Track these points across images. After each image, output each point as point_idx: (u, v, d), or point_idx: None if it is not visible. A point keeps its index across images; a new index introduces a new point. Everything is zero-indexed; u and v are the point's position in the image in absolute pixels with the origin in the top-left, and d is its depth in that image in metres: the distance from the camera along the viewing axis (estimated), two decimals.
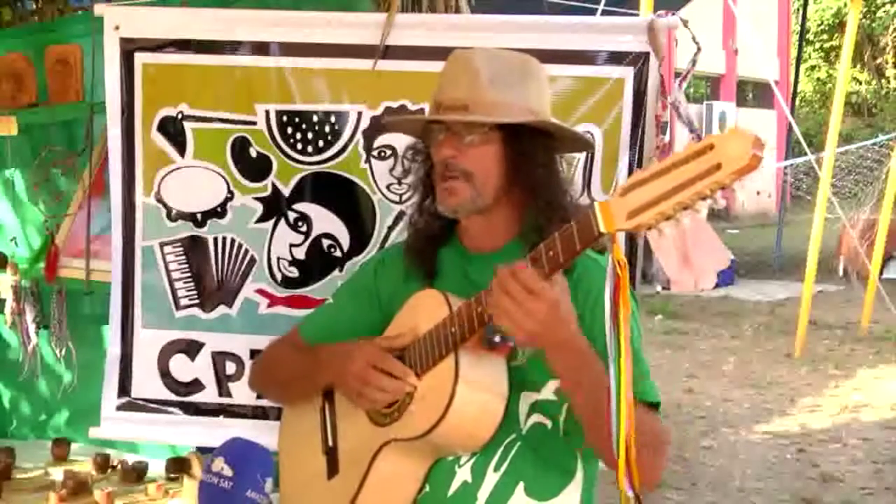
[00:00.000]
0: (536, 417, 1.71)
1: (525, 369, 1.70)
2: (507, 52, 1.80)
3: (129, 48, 2.79)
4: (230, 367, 2.84)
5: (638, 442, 1.42)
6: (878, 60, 27.91)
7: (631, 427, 1.41)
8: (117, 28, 2.79)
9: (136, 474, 3.11)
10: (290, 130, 2.76)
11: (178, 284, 2.84)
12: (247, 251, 2.82)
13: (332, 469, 1.82)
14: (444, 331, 1.63)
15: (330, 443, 1.84)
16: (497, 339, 1.61)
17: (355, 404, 1.76)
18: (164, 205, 2.83)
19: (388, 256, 1.96)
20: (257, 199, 2.80)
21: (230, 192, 2.80)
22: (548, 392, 1.71)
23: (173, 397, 2.87)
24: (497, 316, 1.49)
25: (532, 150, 1.73)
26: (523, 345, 1.53)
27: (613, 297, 1.42)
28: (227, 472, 2.32)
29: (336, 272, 2.79)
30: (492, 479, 1.70)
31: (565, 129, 1.85)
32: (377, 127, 2.71)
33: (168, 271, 2.84)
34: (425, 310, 1.71)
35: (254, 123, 2.77)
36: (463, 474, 1.70)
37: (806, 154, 9.55)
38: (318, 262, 2.80)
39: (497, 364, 1.65)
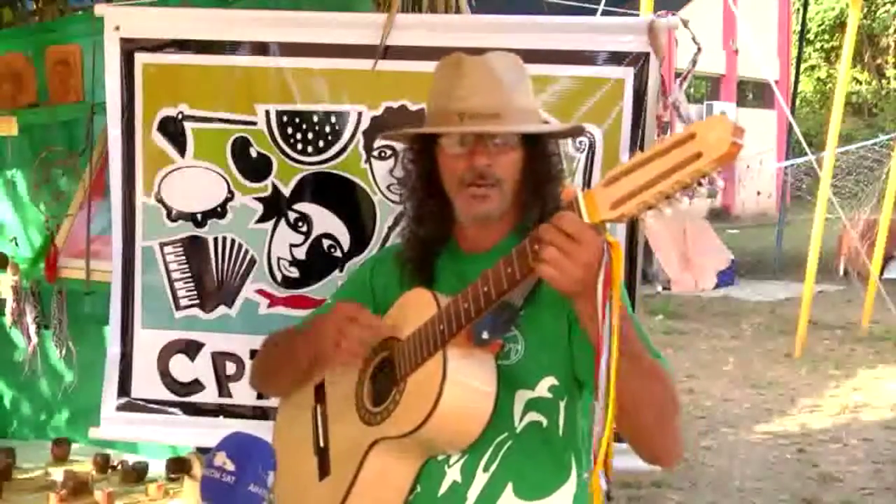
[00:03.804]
0: (532, 416, 1.71)
1: (519, 367, 1.70)
2: (502, 54, 1.79)
3: (130, 48, 2.79)
4: (230, 368, 2.84)
5: (664, 400, 1.51)
6: (879, 60, 27.92)
7: (613, 409, 1.41)
8: (117, 28, 2.79)
9: (137, 474, 3.12)
10: (290, 130, 2.76)
11: (178, 285, 2.84)
12: (247, 251, 2.82)
13: (324, 469, 1.82)
14: (431, 329, 1.63)
15: (321, 443, 1.84)
16: (486, 336, 1.61)
17: (334, 360, 1.78)
18: (165, 205, 2.82)
19: (385, 257, 1.96)
20: (257, 199, 2.80)
21: (230, 192, 2.80)
22: (542, 389, 1.71)
23: (173, 397, 2.86)
24: (542, 266, 1.45)
25: (545, 151, 1.77)
26: (564, 290, 1.47)
27: (606, 279, 1.42)
28: (229, 466, 2.32)
29: (336, 272, 2.79)
30: (481, 478, 1.70)
31: (573, 129, 1.94)
32: (378, 127, 2.71)
33: (168, 271, 2.84)
34: (414, 308, 1.71)
35: (254, 124, 2.77)
36: (453, 474, 1.70)
37: (806, 154, 9.55)
38: (318, 263, 2.80)
39: (486, 361, 1.65)
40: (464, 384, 1.61)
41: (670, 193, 1.29)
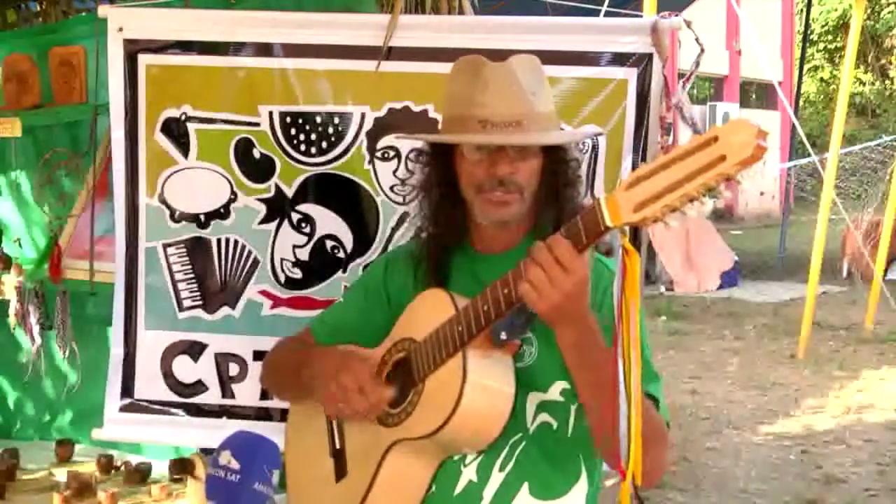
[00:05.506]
0: (543, 417, 1.71)
1: (532, 370, 1.70)
2: (523, 58, 1.77)
3: (133, 49, 2.80)
4: (233, 369, 2.85)
5: (643, 431, 1.45)
6: (882, 61, 27.85)
7: (639, 420, 1.42)
8: (121, 30, 2.80)
9: (140, 475, 3.12)
10: (293, 132, 2.76)
11: (181, 286, 2.85)
12: (250, 252, 2.82)
13: (341, 471, 1.82)
14: (450, 329, 1.63)
15: (337, 445, 1.84)
16: (504, 336, 1.61)
17: (329, 413, 1.80)
18: (168, 206, 2.83)
19: (397, 257, 1.96)
20: (261, 200, 2.80)
21: (233, 193, 2.80)
22: (555, 393, 1.72)
23: (176, 398, 2.87)
24: (524, 286, 1.49)
25: (565, 156, 1.78)
26: (542, 314, 1.52)
27: (622, 286, 1.43)
28: (234, 465, 2.32)
29: (339, 273, 2.79)
30: (497, 478, 1.70)
31: (592, 134, 1.91)
32: (381, 128, 2.71)
33: (171, 272, 2.84)
34: (430, 310, 1.71)
35: (257, 125, 2.77)
36: (469, 473, 1.71)
37: (809, 155, 9.50)
38: (321, 264, 2.80)
39: (504, 362, 1.65)
40: (484, 385, 1.61)
41: (695, 196, 1.29)
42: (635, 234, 2.65)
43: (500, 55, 1.75)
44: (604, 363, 1.50)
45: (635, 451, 1.42)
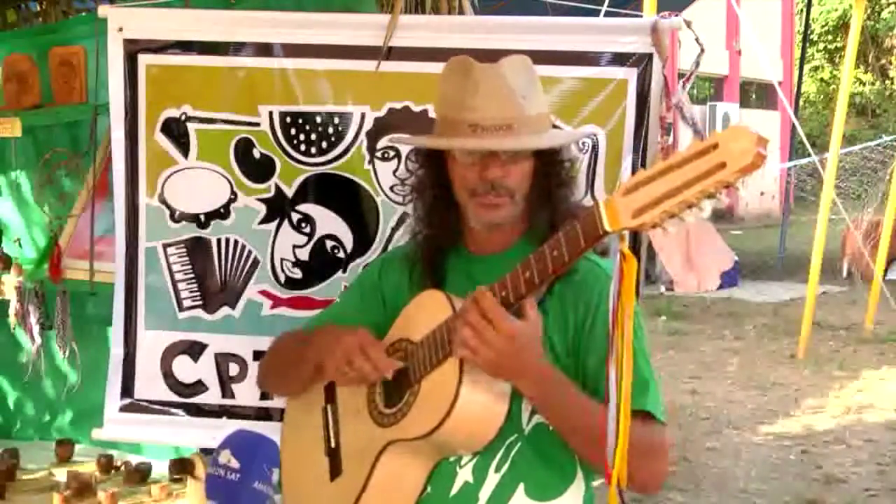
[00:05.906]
0: (539, 418, 1.71)
1: None
2: (513, 59, 1.77)
3: (133, 49, 2.80)
4: (233, 369, 2.85)
5: (628, 452, 1.46)
6: (882, 61, 27.86)
7: (627, 422, 1.44)
8: (121, 30, 2.80)
9: (140, 475, 3.12)
10: (293, 132, 2.76)
11: (181, 286, 2.85)
12: (250, 252, 2.82)
13: (335, 470, 1.82)
14: (447, 330, 1.63)
15: (332, 443, 1.84)
16: None
17: (334, 378, 1.81)
18: (168, 206, 2.83)
19: (394, 258, 1.96)
20: (261, 200, 2.80)
21: (233, 193, 2.80)
22: None
23: (176, 398, 2.87)
24: (456, 344, 1.55)
25: (557, 157, 1.77)
26: (483, 371, 1.57)
27: (618, 291, 1.43)
28: (234, 464, 2.33)
29: (339, 273, 2.79)
30: (493, 479, 1.70)
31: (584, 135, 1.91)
32: (381, 128, 2.71)
33: (171, 272, 2.84)
34: (427, 310, 1.71)
35: (257, 125, 2.77)
36: (464, 475, 1.71)
37: (810, 155, 9.49)
38: (321, 264, 2.80)
39: None
40: (480, 386, 1.61)
41: (694, 203, 1.29)
42: (635, 235, 2.65)
43: (499, 55, 1.75)
44: (568, 407, 1.59)
45: (621, 451, 1.43)
